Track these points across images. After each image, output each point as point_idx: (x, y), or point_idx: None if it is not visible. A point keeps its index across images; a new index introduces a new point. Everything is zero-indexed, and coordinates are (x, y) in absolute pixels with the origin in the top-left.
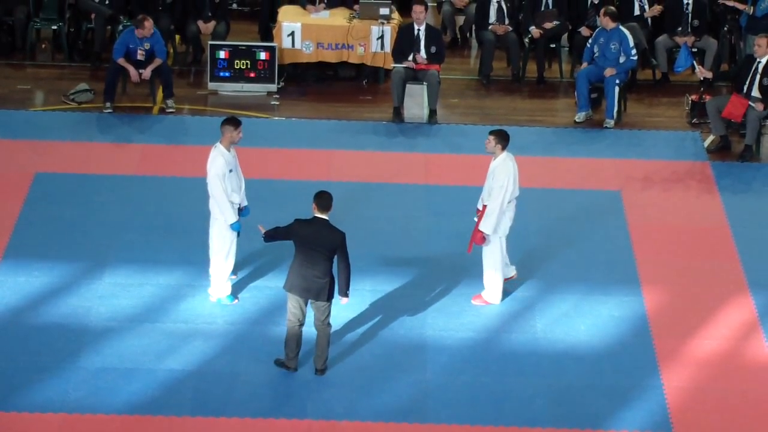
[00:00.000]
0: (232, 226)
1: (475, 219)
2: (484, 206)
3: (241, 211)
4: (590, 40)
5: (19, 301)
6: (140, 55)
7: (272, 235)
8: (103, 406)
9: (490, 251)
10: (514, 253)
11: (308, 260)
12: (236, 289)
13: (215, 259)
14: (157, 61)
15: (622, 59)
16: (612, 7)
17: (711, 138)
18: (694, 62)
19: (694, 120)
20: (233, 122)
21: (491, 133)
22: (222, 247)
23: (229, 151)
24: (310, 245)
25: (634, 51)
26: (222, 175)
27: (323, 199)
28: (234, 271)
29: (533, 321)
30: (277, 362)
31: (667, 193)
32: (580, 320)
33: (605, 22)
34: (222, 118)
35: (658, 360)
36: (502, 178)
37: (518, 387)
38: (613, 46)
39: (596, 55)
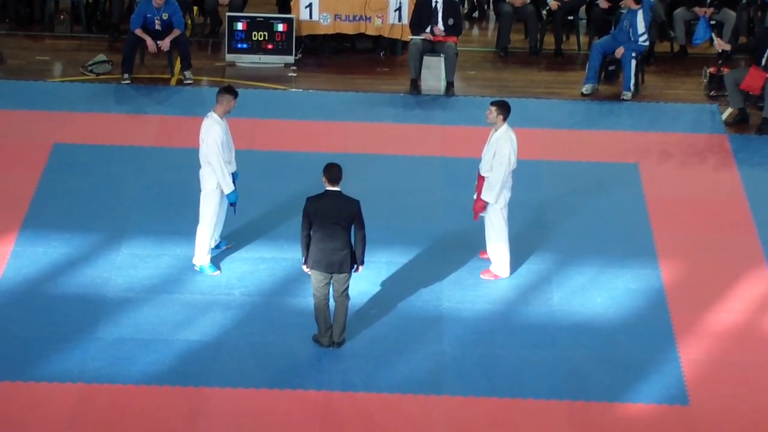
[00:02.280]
0: (229, 197)
1: (475, 196)
2: (482, 177)
3: (232, 176)
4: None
5: (37, 271)
6: (157, 25)
7: (303, 240)
8: (121, 376)
9: (493, 224)
10: (531, 226)
11: (327, 234)
12: (255, 261)
13: (200, 227)
14: (176, 32)
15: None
16: None
17: (729, 111)
18: (713, 35)
19: (712, 93)
20: (232, 92)
21: (493, 104)
22: (207, 215)
23: (222, 120)
24: (328, 219)
25: (643, 37)
26: (220, 143)
27: (333, 172)
28: (227, 241)
29: (550, 294)
30: (314, 338)
31: (685, 166)
32: (597, 293)
33: (630, 4)
34: (239, 89)
35: (675, 333)
36: (505, 149)
37: (534, 360)
38: (626, 25)
39: (614, 29)
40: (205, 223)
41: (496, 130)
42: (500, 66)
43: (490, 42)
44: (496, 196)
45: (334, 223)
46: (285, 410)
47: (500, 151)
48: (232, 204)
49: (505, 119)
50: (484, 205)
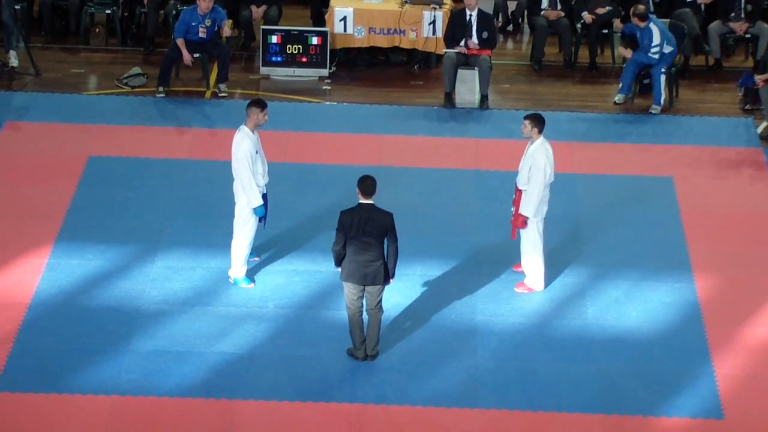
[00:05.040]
0: (256, 211)
1: (512, 209)
2: (520, 191)
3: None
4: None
5: (72, 283)
6: (202, 33)
7: (338, 253)
8: (155, 388)
9: (529, 237)
10: (565, 239)
11: (361, 247)
12: (289, 274)
13: (235, 240)
14: (225, 23)
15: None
16: (641, 6)
17: (764, 124)
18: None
19: (747, 106)
20: (259, 104)
21: (527, 117)
22: (242, 228)
23: (253, 133)
24: (361, 231)
25: (655, 49)
26: (249, 157)
27: (367, 185)
28: (256, 254)
29: (584, 307)
30: (349, 352)
31: (720, 180)
32: (632, 306)
33: (636, 22)
34: (274, 102)
35: (710, 347)
36: (540, 161)
37: (569, 373)
38: (645, 43)
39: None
40: (240, 235)
41: (531, 143)
42: (534, 79)
43: (524, 55)
44: (533, 209)
45: (367, 236)
46: (318, 423)
47: (536, 164)
48: (260, 219)
49: (540, 132)
50: (524, 221)
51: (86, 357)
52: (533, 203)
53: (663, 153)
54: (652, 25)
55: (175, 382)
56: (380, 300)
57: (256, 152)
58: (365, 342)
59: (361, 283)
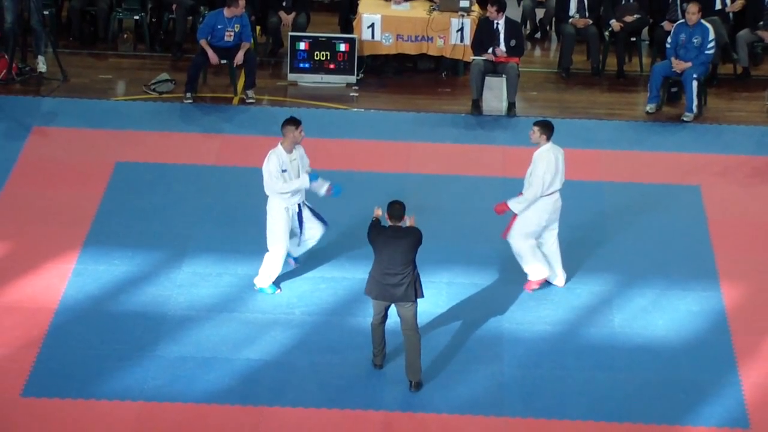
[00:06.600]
0: (335, 190)
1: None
2: (520, 193)
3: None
4: (670, 37)
5: (99, 289)
6: (227, 37)
7: (373, 226)
8: (181, 394)
9: (519, 249)
10: (592, 247)
11: (388, 262)
12: (316, 280)
13: (269, 253)
14: (245, 45)
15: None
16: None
17: None
18: None
19: None
20: (293, 122)
21: (536, 124)
22: (275, 243)
23: (291, 152)
24: (389, 246)
25: (711, 44)
26: (275, 174)
27: (395, 210)
28: (295, 259)
29: (611, 315)
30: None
31: (747, 188)
32: (658, 315)
33: (694, 18)
34: (301, 108)
35: (737, 356)
36: (540, 168)
37: (595, 381)
38: (695, 40)
39: (678, 50)
40: (275, 249)
41: (538, 149)
42: (562, 87)
43: (551, 63)
44: (521, 209)
45: (395, 252)
46: (344, 430)
47: (536, 170)
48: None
49: (548, 138)
50: (505, 210)
51: (112, 363)
52: (524, 204)
53: (690, 161)
54: (704, 22)
55: (201, 389)
56: (415, 320)
57: (284, 171)
58: (383, 351)
59: (387, 301)
